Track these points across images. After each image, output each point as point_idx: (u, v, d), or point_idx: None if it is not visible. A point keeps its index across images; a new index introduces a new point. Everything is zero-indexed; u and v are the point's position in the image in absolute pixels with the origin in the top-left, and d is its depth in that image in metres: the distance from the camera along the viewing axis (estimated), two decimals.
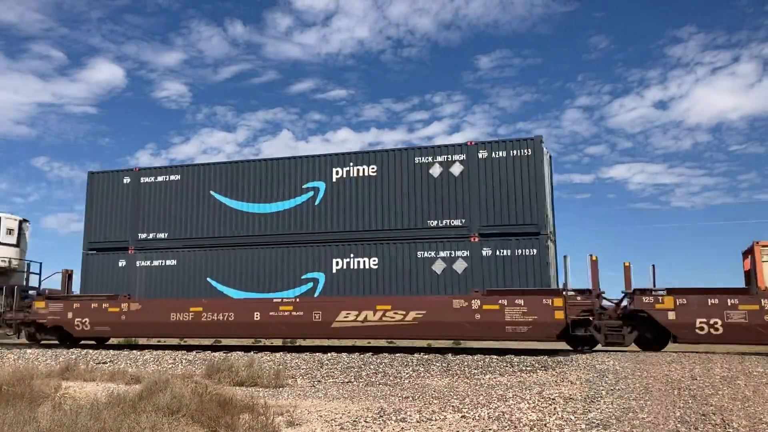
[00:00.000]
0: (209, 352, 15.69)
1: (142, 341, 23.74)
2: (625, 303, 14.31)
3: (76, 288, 18.50)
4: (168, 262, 17.13)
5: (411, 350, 15.48)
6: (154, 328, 16.84)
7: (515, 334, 14.14)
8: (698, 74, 74.60)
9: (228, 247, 16.73)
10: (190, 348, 17.03)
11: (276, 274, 16.25)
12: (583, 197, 78.85)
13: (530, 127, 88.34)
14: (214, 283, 16.66)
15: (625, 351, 13.98)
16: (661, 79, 77.29)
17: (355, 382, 11.48)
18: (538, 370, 11.92)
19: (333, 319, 15.26)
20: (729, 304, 13.26)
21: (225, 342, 20.48)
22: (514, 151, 15.01)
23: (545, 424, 6.67)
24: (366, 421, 6.98)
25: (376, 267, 15.53)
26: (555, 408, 7.54)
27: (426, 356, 14.01)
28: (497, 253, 14.69)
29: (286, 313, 15.66)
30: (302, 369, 12.80)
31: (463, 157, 15.37)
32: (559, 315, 13.91)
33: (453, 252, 14.98)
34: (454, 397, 8.72)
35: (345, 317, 15.19)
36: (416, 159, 15.74)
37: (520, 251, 14.56)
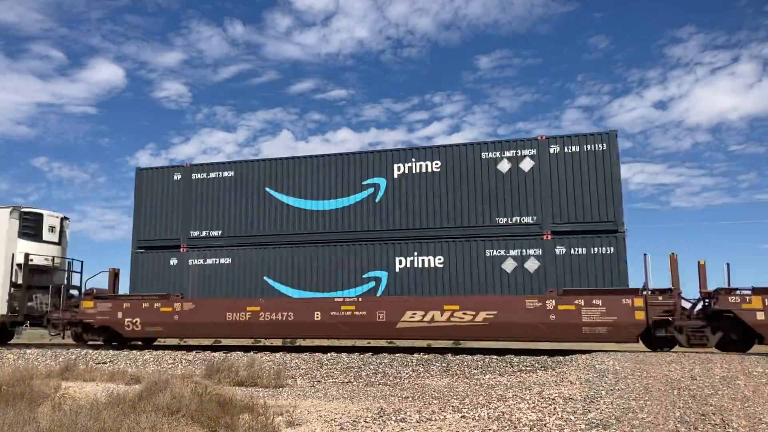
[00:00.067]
0: (209, 352, 15.38)
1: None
2: (701, 303, 13.83)
3: (122, 287, 18.11)
4: (222, 261, 16.67)
5: (410, 350, 15.31)
6: (209, 328, 16.37)
7: (593, 335, 13.66)
8: (698, 74, 74.15)
9: (285, 245, 16.25)
10: (189, 348, 16.76)
11: (336, 273, 15.77)
12: None
13: (530, 127, 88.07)
14: (271, 282, 16.19)
15: (625, 351, 13.59)
16: (661, 80, 76.87)
17: (354, 382, 11.40)
18: (538, 370, 11.85)
19: (398, 319, 14.79)
20: None
21: (225, 342, 20.12)
22: (588, 146, 14.51)
23: (545, 424, 6.64)
24: (366, 421, 6.97)
25: (441, 266, 15.05)
26: (555, 408, 7.46)
27: (426, 356, 13.84)
28: (572, 251, 14.20)
29: (348, 313, 15.19)
30: (302, 369, 12.66)
31: (533, 152, 14.87)
32: (640, 315, 13.42)
33: (524, 250, 14.50)
34: (454, 397, 8.64)
35: (411, 317, 14.71)
36: (483, 154, 15.24)
37: (596, 249, 14.07)
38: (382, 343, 23.64)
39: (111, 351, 15.88)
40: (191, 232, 17.12)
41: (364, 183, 16.05)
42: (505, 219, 14.81)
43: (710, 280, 13.71)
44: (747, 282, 13.52)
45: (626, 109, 78.19)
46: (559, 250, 14.28)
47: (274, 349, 16.21)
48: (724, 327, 13.39)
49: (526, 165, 14.87)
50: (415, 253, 15.30)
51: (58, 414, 6.42)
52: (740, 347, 13.47)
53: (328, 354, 14.21)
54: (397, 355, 14.03)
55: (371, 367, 12.64)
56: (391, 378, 11.73)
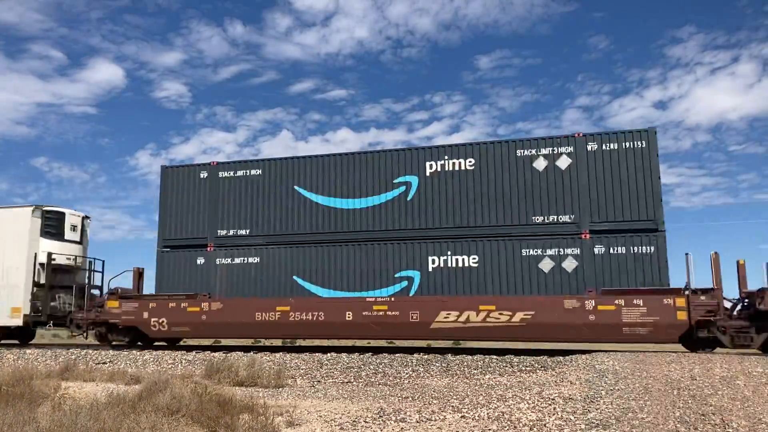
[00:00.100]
0: (209, 352, 15.21)
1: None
2: (740, 304, 13.58)
3: (147, 287, 17.88)
4: (250, 260, 16.43)
5: (410, 350, 15.19)
6: (237, 328, 16.13)
7: (633, 335, 13.42)
8: (698, 74, 73.89)
9: (315, 244, 16.02)
10: (189, 348, 16.59)
11: (367, 273, 15.54)
12: None
13: (530, 128, 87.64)
14: (301, 281, 15.96)
15: (624, 351, 13.39)
16: (661, 80, 76.62)
17: (354, 382, 11.35)
18: (538, 370, 11.80)
19: (432, 319, 14.55)
20: None
21: (224, 342, 19.93)
22: (627, 143, 14.26)
23: (545, 424, 6.62)
24: (366, 421, 6.96)
25: (476, 265, 14.81)
26: (554, 408, 7.45)
27: (425, 356, 13.80)
28: (611, 250, 13.96)
29: (381, 313, 14.95)
30: (302, 369, 12.58)
31: (570, 149, 14.63)
32: (682, 316, 13.18)
33: (562, 249, 14.26)
34: (454, 397, 8.62)
35: (445, 318, 14.48)
36: (518, 152, 15.00)
37: (636, 249, 13.83)
38: (382, 343, 23.45)
39: (111, 351, 15.74)
40: (218, 231, 16.88)
41: (395, 181, 15.81)
42: (541, 218, 14.57)
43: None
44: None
45: (626, 109, 77.98)
46: (598, 249, 14.04)
47: (274, 349, 16.10)
48: None
49: (563, 163, 14.63)
50: (449, 253, 15.06)
51: (58, 414, 6.41)
52: None
53: (328, 354, 14.13)
54: (397, 355, 13.96)
55: (371, 367, 12.58)
56: (391, 378, 11.69)
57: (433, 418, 7.08)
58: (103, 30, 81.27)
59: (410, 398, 8.68)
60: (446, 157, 15.53)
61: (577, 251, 14.16)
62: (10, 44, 78.33)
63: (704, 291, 13.41)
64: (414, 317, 14.69)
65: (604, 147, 14.39)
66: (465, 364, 12.55)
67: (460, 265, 14.94)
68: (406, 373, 11.98)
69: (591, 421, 6.67)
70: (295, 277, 16.02)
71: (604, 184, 14.28)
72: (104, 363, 13.91)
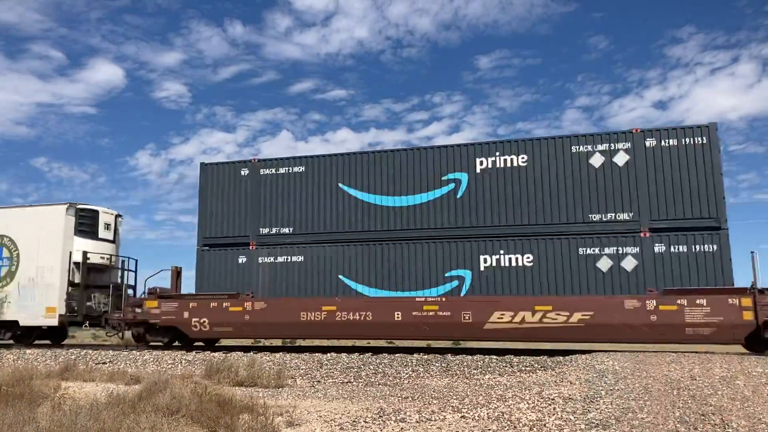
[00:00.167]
0: (209, 352, 15.01)
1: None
2: None
3: (186, 287, 17.54)
4: (294, 258, 16.09)
5: (410, 350, 15.05)
6: (282, 328, 15.80)
7: (696, 336, 13.08)
8: (698, 74, 73.55)
9: (361, 242, 15.67)
10: (189, 348, 16.37)
11: (416, 272, 15.20)
12: None
13: (530, 127, 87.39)
14: (347, 280, 15.62)
15: (624, 351, 13.16)
16: (661, 80, 76.27)
17: (354, 383, 11.31)
18: (538, 370, 11.77)
19: (485, 320, 14.21)
20: None
21: (224, 342, 19.69)
22: (687, 139, 13.92)
23: (545, 425, 6.62)
24: (365, 422, 6.96)
25: (530, 264, 14.47)
26: (554, 408, 7.45)
27: (425, 356, 13.71)
28: (672, 249, 13.62)
29: (431, 314, 14.61)
30: (302, 369, 12.50)
31: (628, 145, 14.28)
32: (748, 316, 12.84)
33: (621, 248, 13.92)
34: (454, 397, 8.62)
35: (499, 318, 14.13)
36: (573, 148, 14.65)
37: (698, 247, 13.49)
38: (382, 343, 23.18)
39: (111, 351, 15.55)
40: (260, 229, 16.54)
41: (444, 178, 15.46)
42: (599, 216, 14.23)
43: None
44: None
45: (626, 109, 77.68)
46: (658, 248, 13.70)
47: (274, 349, 15.94)
48: None
49: (621, 159, 14.28)
50: (501, 252, 14.73)
51: (57, 414, 6.42)
52: None
53: (328, 354, 14.03)
54: (396, 355, 13.86)
55: (371, 367, 12.50)
56: (390, 378, 11.62)
57: (433, 418, 7.07)
58: (103, 30, 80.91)
59: (410, 398, 8.66)
60: (497, 154, 15.18)
61: (636, 250, 13.82)
62: (10, 44, 77.95)
63: None
64: (466, 318, 14.35)
65: (663, 143, 14.04)
66: (465, 364, 12.49)
67: (514, 264, 14.60)
68: (406, 373, 11.93)
69: (591, 421, 6.65)
70: (340, 276, 15.68)
71: (663, 181, 13.94)
72: (104, 363, 13.84)
